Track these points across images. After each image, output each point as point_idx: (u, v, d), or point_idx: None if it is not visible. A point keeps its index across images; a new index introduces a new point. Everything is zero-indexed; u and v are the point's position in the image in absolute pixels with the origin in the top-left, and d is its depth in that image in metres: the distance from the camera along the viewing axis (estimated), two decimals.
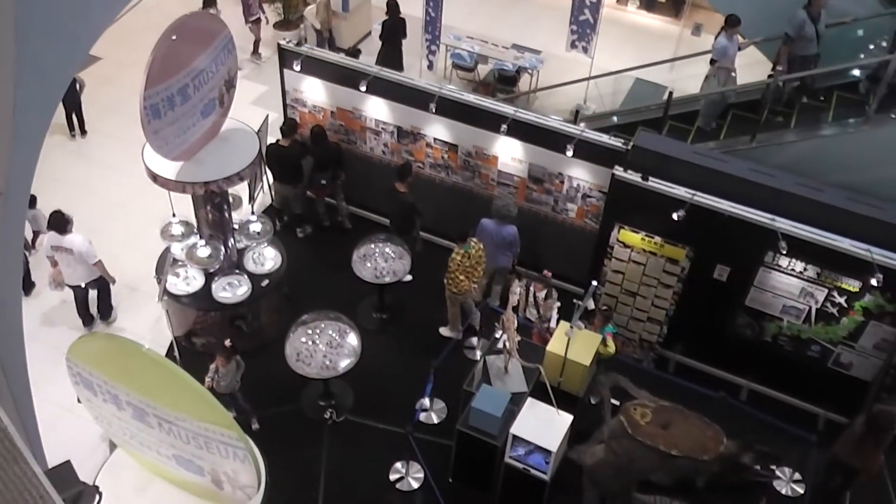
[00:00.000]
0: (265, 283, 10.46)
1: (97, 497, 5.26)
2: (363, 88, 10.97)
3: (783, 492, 9.60)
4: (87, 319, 11.00)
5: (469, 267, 10.16)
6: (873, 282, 8.89)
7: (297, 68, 11.36)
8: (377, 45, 14.86)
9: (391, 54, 14.63)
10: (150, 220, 11.39)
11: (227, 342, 9.10)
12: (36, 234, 11.67)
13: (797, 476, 9.67)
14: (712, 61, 12.63)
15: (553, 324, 9.44)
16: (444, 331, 10.98)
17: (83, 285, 10.61)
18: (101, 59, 15.18)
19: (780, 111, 12.35)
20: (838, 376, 9.92)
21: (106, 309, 11.09)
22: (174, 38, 8.14)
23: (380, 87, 11.16)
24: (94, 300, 10.98)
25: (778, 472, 9.61)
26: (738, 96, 12.55)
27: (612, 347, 9.39)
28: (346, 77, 11.26)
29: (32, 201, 11.22)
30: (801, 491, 9.52)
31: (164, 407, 5.74)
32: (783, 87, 12.23)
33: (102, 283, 10.74)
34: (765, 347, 10.10)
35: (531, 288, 9.46)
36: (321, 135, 11.56)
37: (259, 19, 15.76)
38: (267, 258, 10.71)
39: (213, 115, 9.29)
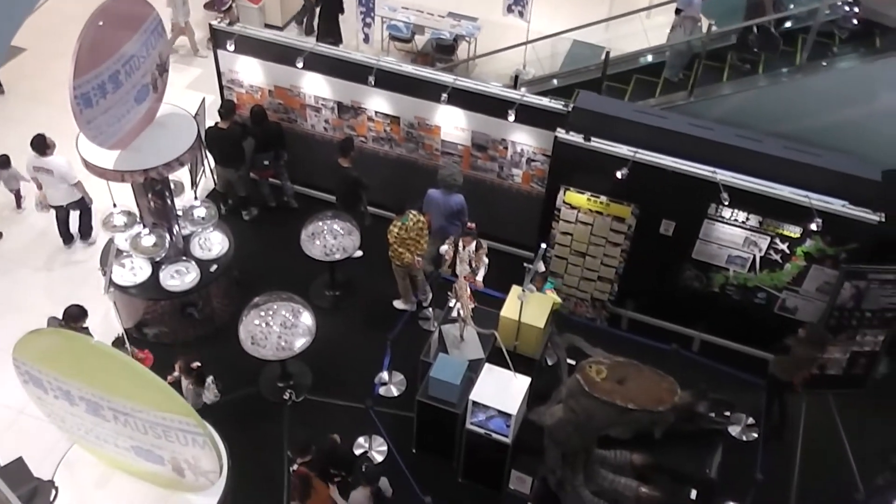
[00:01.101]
0: (214, 268, 10.34)
1: (53, 492, 5.19)
2: (300, 65, 10.82)
3: (738, 437, 9.85)
4: (68, 239, 11.61)
5: (409, 239, 10.14)
6: (813, 227, 9.11)
7: (231, 48, 11.16)
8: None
9: (330, 29, 14.45)
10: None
11: (196, 364, 9.09)
12: (17, 193, 11.92)
13: (751, 421, 9.93)
14: (678, 11, 12.65)
15: (481, 276, 9.50)
16: (397, 303, 10.98)
17: (65, 205, 11.15)
18: (26, 49, 14.72)
19: (748, 59, 12.32)
20: (785, 321, 10.16)
21: (87, 229, 11.62)
22: (100, 23, 7.92)
23: (317, 63, 11.02)
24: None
25: (732, 419, 9.87)
26: (706, 45, 12.31)
27: (557, 301, 9.49)
28: (281, 54, 11.09)
29: (6, 161, 11.58)
30: (756, 435, 9.77)
31: (118, 399, 5.67)
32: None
33: (83, 205, 11.25)
34: (713, 298, 10.31)
35: (460, 243, 9.50)
36: (261, 114, 11.41)
37: (231, 7, 15.37)
38: (214, 243, 10.58)
39: (148, 101, 9.09)
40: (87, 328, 9.23)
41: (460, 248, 9.38)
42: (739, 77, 12.20)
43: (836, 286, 9.61)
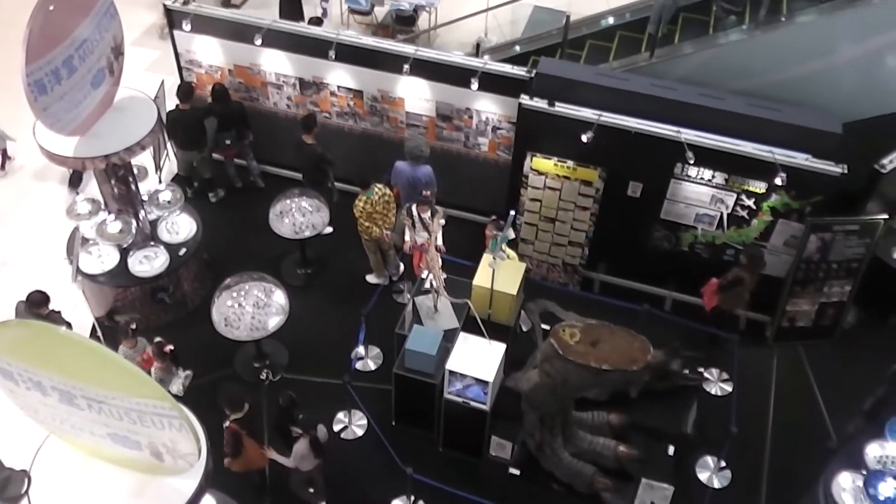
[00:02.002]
0: (182, 251, 10.25)
1: (26, 482, 5.15)
2: (258, 42, 10.67)
3: (713, 392, 9.99)
4: (75, 182, 11.94)
5: (376, 213, 10.11)
6: (777, 181, 9.20)
7: (188, 28, 10.98)
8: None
9: (291, 6, 14.21)
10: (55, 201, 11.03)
11: (169, 348, 8.99)
12: (3, 152, 12.00)
13: (725, 376, 10.07)
14: None
15: (440, 241, 9.53)
16: (370, 278, 10.98)
17: None
18: None
19: (734, 11, 12.24)
20: None
21: (76, 178, 11.78)
22: (51, 7, 7.75)
23: (276, 39, 10.88)
24: None
25: (706, 374, 10.02)
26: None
27: (513, 256, 9.56)
28: (239, 32, 10.94)
29: None
30: (730, 389, 9.92)
31: (91, 387, 5.60)
32: None
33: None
34: (683, 257, 10.41)
35: (415, 211, 9.50)
36: (223, 93, 11.27)
37: None
38: (181, 227, 10.48)
39: (105, 86, 8.94)
40: (56, 312, 9.12)
41: (416, 216, 9.38)
42: (700, 36, 12.22)
43: (802, 239, 9.74)
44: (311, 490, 8.66)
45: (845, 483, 8.19)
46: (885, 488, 7.89)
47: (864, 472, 8.10)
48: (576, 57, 12.68)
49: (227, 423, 8.10)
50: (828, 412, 9.89)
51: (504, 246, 9.43)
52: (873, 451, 8.31)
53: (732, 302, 9.72)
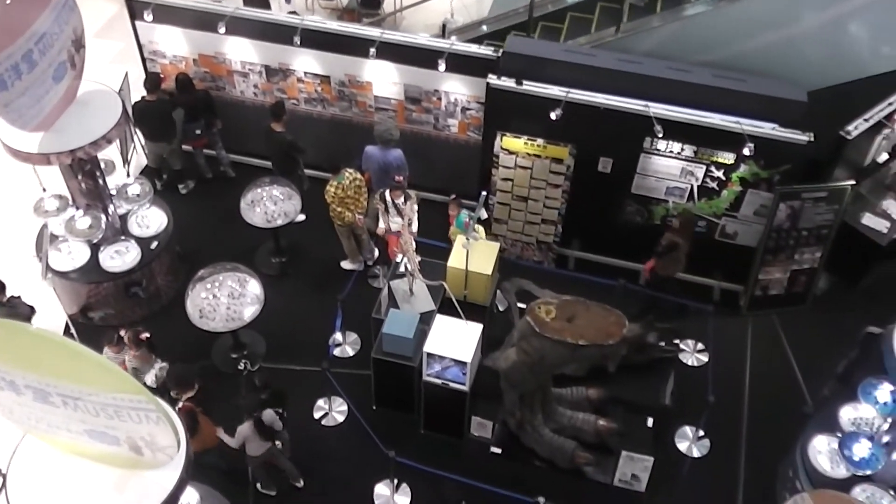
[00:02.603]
0: (154, 245, 10.17)
1: (1, 480, 5.11)
2: (222, 30, 10.56)
3: (689, 363, 10.10)
4: None
5: (347, 198, 10.08)
6: (746, 151, 9.28)
7: (149, 18, 10.83)
8: None
9: None
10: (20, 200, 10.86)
11: (145, 335, 8.94)
12: None
13: (700, 346, 10.17)
14: None
15: (415, 225, 9.52)
16: (345, 264, 10.95)
17: None
18: None
19: None
20: (726, 247, 10.40)
21: None
22: (7, 1, 7.61)
23: (239, 27, 10.77)
24: None
25: (682, 346, 10.12)
26: None
27: (482, 233, 9.64)
28: (202, 20, 10.82)
29: None
30: (706, 359, 10.02)
31: (66, 384, 5.56)
32: None
33: None
34: (656, 231, 10.44)
35: (388, 196, 9.47)
36: (187, 82, 11.16)
37: None
38: (152, 220, 10.39)
39: (67, 79, 8.80)
40: (16, 297, 9.13)
41: (389, 201, 9.35)
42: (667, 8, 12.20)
43: (772, 208, 9.83)
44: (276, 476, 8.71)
45: (821, 446, 8.35)
46: (860, 449, 8.05)
47: (839, 435, 8.25)
48: (547, 33, 12.61)
49: (179, 405, 8.12)
50: (803, 377, 10.03)
51: (467, 220, 9.45)
52: (847, 413, 8.47)
53: (670, 267, 9.82)
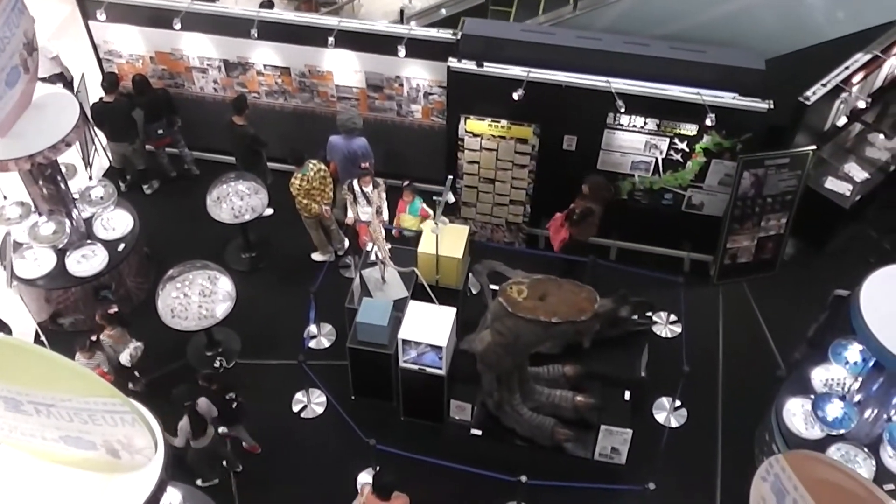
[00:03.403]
0: (121, 247, 10.07)
1: None
2: (177, 27, 10.42)
3: (663, 335, 10.20)
4: None
5: (313, 189, 10.04)
6: (708, 122, 9.34)
7: (102, 17, 10.67)
8: None
9: None
10: None
11: (113, 310, 8.91)
12: None
13: (673, 318, 10.27)
14: None
15: (385, 213, 9.52)
16: (315, 256, 10.91)
17: (47, 77, 10.96)
18: None
19: None
20: (693, 217, 10.50)
21: None
22: None
23: (195, 22, 10.63)
24: None
25: (655, 318, 10.21)
26: None
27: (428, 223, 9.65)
28: (156, 17, 10.67)
29: None
30: (679, 330, 10.12)
31: (37, 391, 5.50)
32: None
33: (63, 79, 11.42)
34: (623, 206, 10.53)
35: (356, 185, 9.45)
36: (143, 83, 11.03)
37: None
38: (117, 222, 10.28)
39: (21, 84, 8.66)
40: None
41: (358, 191, 9.33)
42: None
43: (736, 177, 9.92)
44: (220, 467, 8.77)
45: (795, 408, 8.49)
46: (833, 409, 8.19)
47: (812, 397, 8.38)
48: (504, 14, 12.63)
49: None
50: (775, 343, 10.17)
51: (423, 206, 9.45)
52: (819, 375, 8.62)
53: (586, 232, 9.92)
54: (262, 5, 11.87)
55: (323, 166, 10.15)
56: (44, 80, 11.04)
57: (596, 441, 8.75)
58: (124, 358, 8.80)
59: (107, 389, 5.52)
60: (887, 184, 11.15)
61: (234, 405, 8.58)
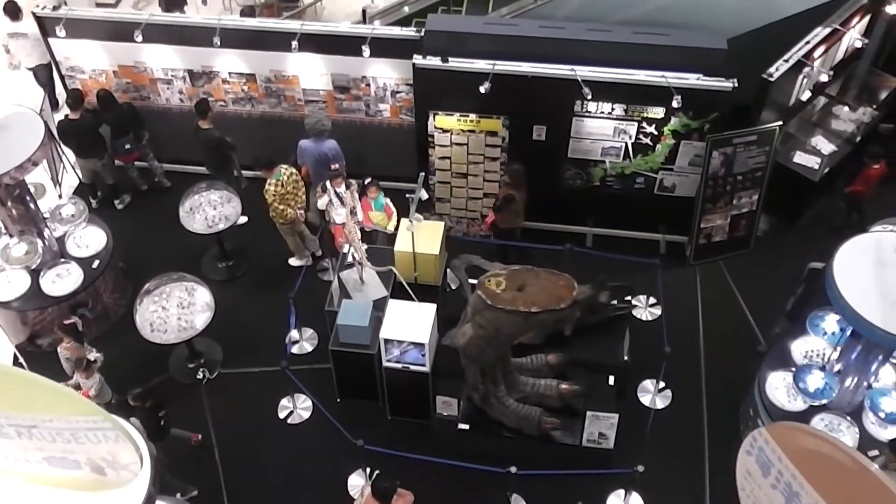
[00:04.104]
0: (96, 264, 9.98)
1: None
2: (139, 39, 10.35)
3: (643, 318, 10.26)
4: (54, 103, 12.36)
5: (287, 194, 10.00)
6: (674, 104, 9.40)
7: (62, 34, 10.57)
8: None
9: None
10: None
11: (69, 321, 8.88)
12: None
13: (652, 300, 10.33)
14: None
15: (360, 215, 9.54)
16: (292, 261, 10.88)
17: (43, 64, 12.04)
18: None
19: None
20: (666, 199, 10.57)
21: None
22: None
23: (156, 34, 10.56)
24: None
25: (634, 302, 10.27)
26: None
27: (391, 221, 9.82)
28: (116, 31, 10.59)
29: None
30: (659, 312, 10.19)
31: (17, 413, 5.45)
32: None
33: (50, 70, 12.02)
34: (596, 192, 10.59)
35: (330, 187, 9.45)
36: (109, 98, 10.94)
37: None
38: (90, 239, 10.20)
39: None
40: None
41: (332, 192, 9.30)
42: None
43: (705, 157, 10.00)
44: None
45: (777, 382, 8.57)
46: (813, 380, 8.29)
47: (793, 369, 8.47)
48: (482, 4, 12.59)
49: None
50: (754, 319, 10.25)
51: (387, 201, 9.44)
52: (798, 347, 8.72)
53: (510, 219, 10.05)
54: (242, 13, 11.83)
55: (294, 171, 10.12)
56: (40, 66, 12.11)
57: (583, 428, 8.79)
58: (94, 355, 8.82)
59: (88, 407, 5.48)
60: (854, 155, 11.27)
61: (162, 423, 8.44)
